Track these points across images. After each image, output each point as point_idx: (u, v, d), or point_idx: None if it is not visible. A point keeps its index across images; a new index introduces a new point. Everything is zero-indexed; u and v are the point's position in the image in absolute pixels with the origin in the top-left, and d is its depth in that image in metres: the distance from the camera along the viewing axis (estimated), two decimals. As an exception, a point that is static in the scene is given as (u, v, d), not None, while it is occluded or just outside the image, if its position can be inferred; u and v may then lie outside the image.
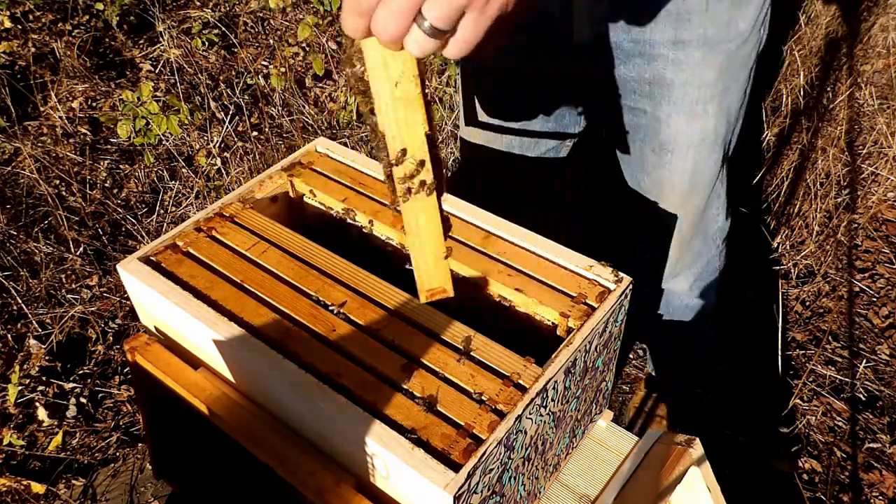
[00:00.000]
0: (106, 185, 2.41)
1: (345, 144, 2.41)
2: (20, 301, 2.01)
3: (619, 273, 1.11)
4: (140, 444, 1.80)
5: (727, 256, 1.63)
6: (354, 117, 2.66)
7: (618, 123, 1.38)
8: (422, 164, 0.77)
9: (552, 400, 0.99)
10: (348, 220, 1.31)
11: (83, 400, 1.89)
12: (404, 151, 0.75)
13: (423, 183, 0.78)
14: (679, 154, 1.31)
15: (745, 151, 2.62)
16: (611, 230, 2.07)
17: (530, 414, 0.93)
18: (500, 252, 1.17)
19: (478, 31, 0.64)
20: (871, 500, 1.76)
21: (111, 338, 2.03)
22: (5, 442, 1.78)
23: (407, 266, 0.83)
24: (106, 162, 2.48)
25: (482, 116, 1.47)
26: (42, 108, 2.59)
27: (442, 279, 0.86)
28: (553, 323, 1.09)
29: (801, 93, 2.57)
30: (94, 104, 2.65)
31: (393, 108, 0.72)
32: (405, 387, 0.94)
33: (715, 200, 1.44)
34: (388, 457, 0.87)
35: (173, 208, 2.36)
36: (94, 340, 2.01)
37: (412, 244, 0.82)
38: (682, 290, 1.61)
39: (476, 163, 1.55)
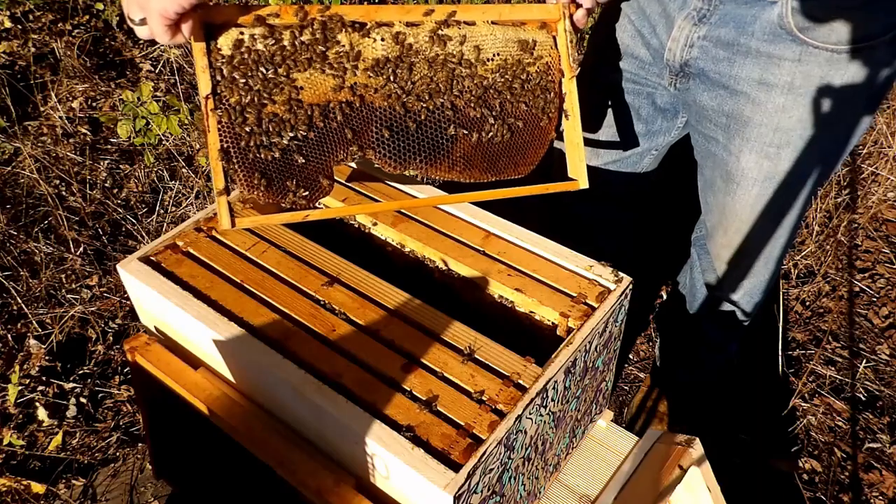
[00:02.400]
0: (106, 185, 2.41)
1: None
2: (20, 301, 2.01)
3: (619, 273, 1.11)
4: (140, 444, 1.80)
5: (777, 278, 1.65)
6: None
7: (692, 153, 1.41)
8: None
9: (552, 400, 0.99)
10: (348, 220, 1.31)
11: (83, 400, 1.89)
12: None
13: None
14: (745, 187, 1.33)
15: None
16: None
17: (530, 414, 0.93)
18: (500, 252, 1.17)
19: None
20: (871, 500, 1.76)
21: (111, 338, 2.03)
22: (5, 442, 1.78)
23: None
24: (106, 162, 2.48)
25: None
26: (42, 108, 2.59)
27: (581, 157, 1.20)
28: (553, 323, 1.09)
29: (801, 93, 2.57)
30: (94, 104, 2.65)
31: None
32: (405, 387, 0.94)
33: (780, 231, 1.44)
34: (388, 457, 0.87)
35: (173, 208, 2.36)
36: (94, 340, 2.01)
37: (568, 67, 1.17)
38: (724, 302, 1.61)
39: None
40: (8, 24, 2.70)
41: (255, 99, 0.99)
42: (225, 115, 0.98)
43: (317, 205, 1.03)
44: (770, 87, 1.19)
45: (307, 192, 1.01)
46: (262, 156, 0.99)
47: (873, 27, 1.10)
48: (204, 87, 0.98)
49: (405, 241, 1.22)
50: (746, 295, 1.59)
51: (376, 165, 1.05)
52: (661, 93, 1.38)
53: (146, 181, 2.45)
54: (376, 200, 1.28)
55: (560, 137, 1.23)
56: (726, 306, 1.63)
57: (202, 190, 2.33)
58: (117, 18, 2.84)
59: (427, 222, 1.23)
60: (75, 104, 2.62)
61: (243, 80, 0.99)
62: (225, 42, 0.98)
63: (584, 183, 1.20)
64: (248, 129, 0.99)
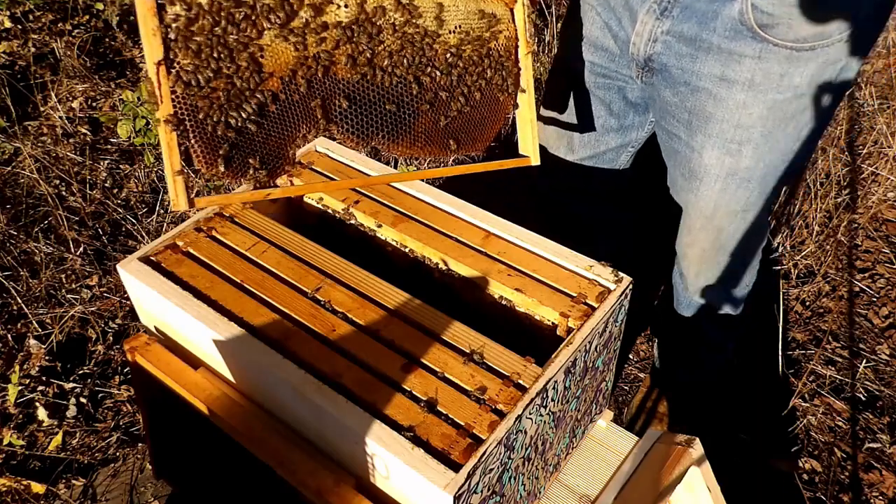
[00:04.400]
0: (106, 185, 2.41)
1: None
2: (20, 301, 2.01)
3: (619, 273, 1.11)
4: (140, 444, 1.80)
5: (760, 274, 1.65)
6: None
7: (660, 143, 1.41)
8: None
9: (552, 400, 0.99)
10: (348, 220, 1.31)
11: (83, 400, 1.89)
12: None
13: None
14: (707, 183, 1.33)
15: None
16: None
17: (530, 414, 0.93)
18: (500, 252, 1.17)
19: None
20: (871, 500, 1.76)
21: (111, 338, 2.03)
22: (5, 442, 1.78)
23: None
24: (106, 162, 2.48)
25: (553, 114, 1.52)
26: (42, 108, 2.59)
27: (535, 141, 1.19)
28: (553, 323, 1.09)
29: (801, 93, 2.57)
30: (94, 104, 2.65)
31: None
32: (405, 387, 0.94)
33: (746, 227, 1.44)
34: (388, 457, 0.87)
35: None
36: (94, 340, 2.01)
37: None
38: (706, 302, 1.62)
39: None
40: (8, 24, 2.70)
41: (214, 66, 0.92)
42: (180, 84, 0.90)
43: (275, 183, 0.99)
44: (731, 84, 1.20)
45: (267, 170, 0.96)
46: (221, 131, 0.92)
47: (831, 25, 1.10)
48: (155, 52, 0.89)
49: (405, 240, 1.22)
50: (724, 293, 1.59)
51: (337, 141, 1.04)
52: (631, 86, 1.38)
53: (146, 181, 2.45)
54: (377, 200, 1.28)
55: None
56: (706, 305, 1.64)
57: (202, 190, 2.33)
58: (117, 18, 2.84)
59: (427, 222, 1.23)
60: (75, 104, 2.62)
61: (199, 46, 0.91)
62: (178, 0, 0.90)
63: (535, 160, 1.21)
64: (206, 100, 0.91)
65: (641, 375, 2.05)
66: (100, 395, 1.92)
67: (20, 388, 1.86)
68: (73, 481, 1.74)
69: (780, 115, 1.22)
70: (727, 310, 1.64)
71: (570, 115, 1.48)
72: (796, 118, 1.23)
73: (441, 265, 1.19)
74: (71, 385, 1.91)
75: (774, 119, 1.22)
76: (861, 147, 2.60)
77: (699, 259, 1.51)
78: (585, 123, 1.47)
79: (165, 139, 0.91)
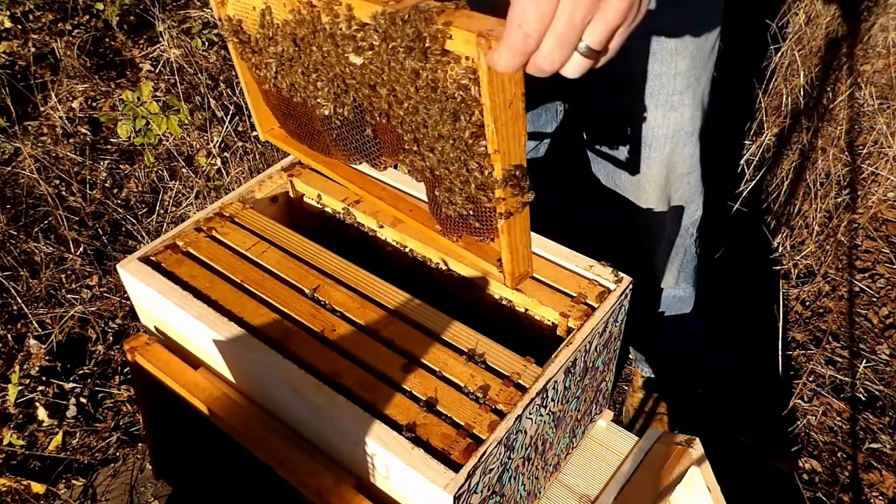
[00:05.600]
0: (106, 185, 2.41)
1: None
2: (20, 301, 2.01)
3: (619, 273, 1.11)
4: (140, 444, 1.80)
5: (701, 245, 1.67)
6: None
7: (594, 122, 1.39)
8: (523, 169, 0.80)
9: (552, 400, 0.99)
10: (348, 220, 1.31)
11: (83, 400, 1.89)
12: (511, 163, 0.78)
13: (521, 187, 0.81)
14: (657, 147, 1.32)
15: (736, 149, 2.62)
16: (586, 234, 2.07)
17: (530, 414, 0.93)
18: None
19: (622, 43, 0.66)
20: (871, 500, 1.76)
21: (111, 338, 2.03)
22: (5, 442, 1.78)
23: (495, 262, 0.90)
24: (106, 162, 2.48)
25: None
26: (42, 108, 2.59)
27: (528, 264, 0.92)
28: (553, 323, 1.09)
29: (801, 93, 2.57)
30: (94, 104, 2.65)
31: (505, 125, 0.74)
32: (405, 387, 0.94)
33: (692, 192, 1.46)
34: (388, 457, 0.87)
35: (173, 208, 2.36)
36: (94, 340, 2.01)
37: (506, 240, 0.85)
38: (669, 285, 1.63)
39: None
40: (8, 24, 2.70)
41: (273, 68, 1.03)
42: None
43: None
44: (658, 35, 1.20)
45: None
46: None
47: None
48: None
49: (405, 240, 1.22)
50: (682, 272, 1.61)
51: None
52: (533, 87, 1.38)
53: (146, 181, 2.45)
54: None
55: None
56: (672, 292, 1.66)
57: (202, 190, 2.33)
58: (117, 18, 2.84)
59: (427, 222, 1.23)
60: (75, 104, 2.62)
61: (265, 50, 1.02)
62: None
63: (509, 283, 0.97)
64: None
65: (643, 375, 2.05)
66: (100, 395, 1.92)
67: (20, 388, 1.86)
68: (73, 481, 1.74)
69: (703, 54, 1.23)
70: (690, 288, 1.66)
71: None
72: (711, 55, 1.25)
73: (441, 265, 1.19)
74: (71, 385, 1.91)
75: (700, 59, 1.24)
76: (861, 147, 2.60)
77: (660, 242, 1.51)
78: None
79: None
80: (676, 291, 1.67)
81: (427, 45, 0.76)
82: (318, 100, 1.00)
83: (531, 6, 0.61)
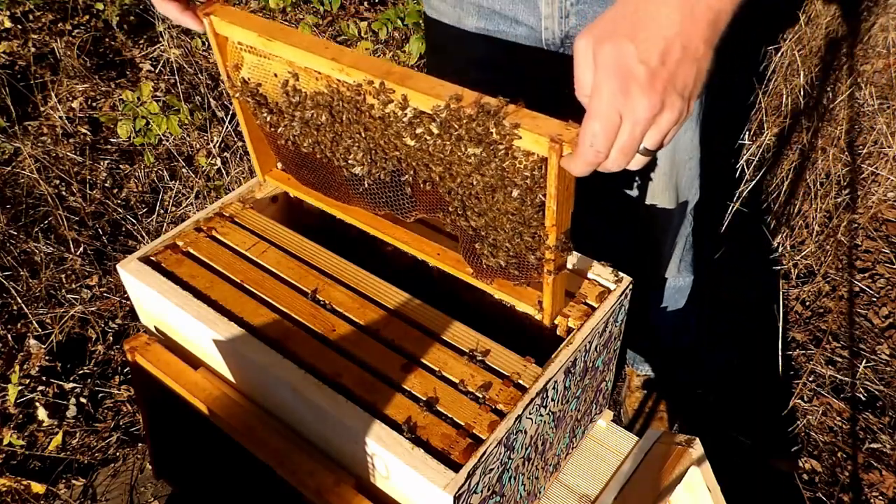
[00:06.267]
0: (106, 185, 2.41)
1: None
2: (20, 301, 2.01)
3: (619, 273, 1.10)
4: (140, 444, 1.80)
5: (701, 234, 1.69)
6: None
7: None
8: (568, 232, 0.91)
9: (552, 400, 0.98)
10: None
11: (83, 400, 1.89)
12: (563, 231, 0.90)
13: (568, 247, 0.93)
14: None
15: (735, 151, 2.62)
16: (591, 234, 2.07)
17: (530, 414, 0.93)
18: (500, 252, 1.17)
19: (673, 136, 0.78)
20: (871, 500, 1.76)
21: (111, 338, 2.03)
22: (5, 442, 1.78)
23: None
24: (106, 162, 2.48)
25: None
26: (42, 108, 2.59)
27: (563, 301, 1.03)
28: (553, 323, 1.09)
29: (801, 93, 2.57)
30: (94, 104, 2.65)
31: (563, 204, 0.86)
32: (405, 387, 0.94)
33: (692, 176, 1.48)
34: (388, 457, 0.87)
35: (173, 208, 2.36)
36: (94, 340, 2.01)
37: (549, 289, 0.96)
38: (671, 274, 1.64)
39: None
40: (8, 24, 2.70)
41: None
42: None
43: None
44: None
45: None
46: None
47: None
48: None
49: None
50: (682, 260, 1.63)
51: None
52: (526, 86, 1.39)
53: (146, 181, 2.45)
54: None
55: None
56: (674, 282, 1.68)
57: (202, 190, 2.33)
58: (117, 18, 2.84)
59: (427, 221, 1.23)
60: (75, 104, 2.62)
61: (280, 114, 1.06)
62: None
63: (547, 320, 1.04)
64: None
65: (641, 374, 2.05)
66: (100, 395, 1.92)
67: (20, 388, 1.86)
68: (73, 481, 1.74)
69: None
70: (690, 276, 1.68)
71: None
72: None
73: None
74: (71, 385, 1.91)
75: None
76: (861, 147, 2.60)
77: (664, 231, 1.52)
78: None
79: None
80: (677, 281, 1.68)
81: (495, 140, 0.85)
82: (350, 162, 1.04)
83: (600, 131, 0.73)
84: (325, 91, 1.00)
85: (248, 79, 1.09)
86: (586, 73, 0.75)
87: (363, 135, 0.99)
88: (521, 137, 0.84)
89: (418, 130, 0.92)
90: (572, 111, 1.43)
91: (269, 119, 1.10)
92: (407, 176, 1.00)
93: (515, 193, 0.88)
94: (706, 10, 0.72)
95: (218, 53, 1.10)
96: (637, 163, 0.79)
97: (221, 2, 1.07)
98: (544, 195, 0.86)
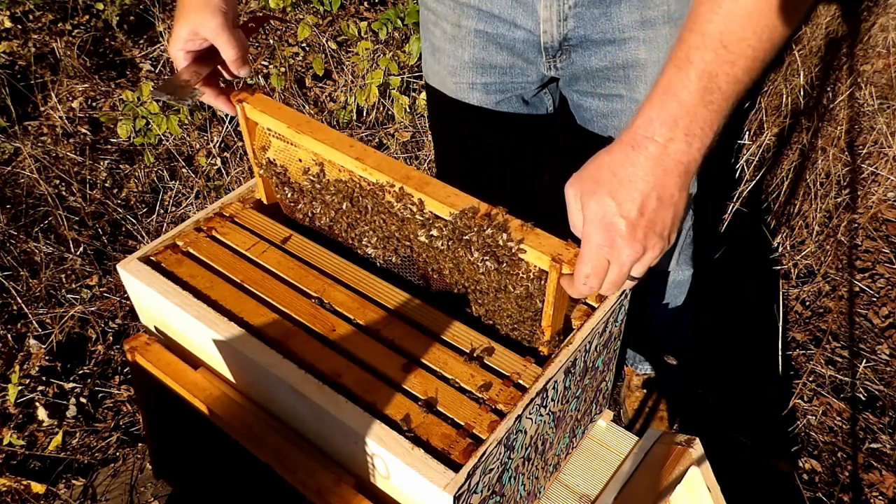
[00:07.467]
0: (106, 185, 2.41)
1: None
2: (20, 301, 2.01)
3: (619, 273, 1.11)
4: (140, 444, 1.80)
5: (702, 228, 1.68)
6: (354, 117, 2.66)
7: (596, 114, 1.40)
8: (562, 332, 1.01)
9: (552, 400, 0.98)
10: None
11: (83, 400, 1.89)
12: (557, 329, 1.00)
13: (560, 341, 1.01)
14: None
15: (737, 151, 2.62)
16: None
17: (530, 414, 0.93)
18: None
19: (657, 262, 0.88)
20: (871, 500, 1.76)
21: (111, 338, 2.03)
22: (5, 442, 1.78)
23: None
24: (106, 162, 2.48)
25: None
26: (42, 108, 2.59)
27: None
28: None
29: (801, 93, 2.57)
30: (94, 104, 2.65)
31: (558, 309, 0.96)
32: (405, 387, 0.94)
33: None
34: (388, 457, 0.87)
35: (173, 208, 2.36)
36: (94, 340, 2.01)
37: (546, 349, 1.02)
38: (671, 267, 1.65)
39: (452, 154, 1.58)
40: (8, 24, 2.70)
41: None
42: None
43: None
44: (653, 23, 1.22)
45: None
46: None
47: None
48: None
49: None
50: (682, 254, 1.64)
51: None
52: (528, 89, 1.39)
53: (146, 181, 2.45)
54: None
55: None
56: (673, 276, 1.69)
57: (202, 190, 2.33)
58: (117, 18, 2.84)
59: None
60: (75, 104, 2.62)
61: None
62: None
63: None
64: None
65: (639, 374, 2.05)
66: (100, 395, 1.92)
67: (20, 388, 1.86)
68: (73, 481, 1.74)
69: None
70: (688, 269, 1.69)
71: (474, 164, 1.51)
72: None
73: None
74: (71, 385, 1.91)
75: None
76: (861, 147, 2.60)
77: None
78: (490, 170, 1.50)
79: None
80: (676, 274, 1.68)
81: (501, 250, 0.95)
82: (365, 244, 1.13)
83: (592, 273, 0.86)
84: (346, 181, 1.08)
85: (274, 160, 1.16)
86: (577, 216, 0.86)
87: (379, 225, 1.07)
88: (525, 251, 0.93)
89: (433, 232, 1.01)
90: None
91: (290, 196, 1.18)
92: (418, 263, 1.08)
93: (517, 294, 0.98)
94: (676, 165, 0.80)
95: (247, 134, 1.17)
96: (627, 286, 0.93)
97: (253, 90, 1.13)
98: (542, 301, 0.96)
